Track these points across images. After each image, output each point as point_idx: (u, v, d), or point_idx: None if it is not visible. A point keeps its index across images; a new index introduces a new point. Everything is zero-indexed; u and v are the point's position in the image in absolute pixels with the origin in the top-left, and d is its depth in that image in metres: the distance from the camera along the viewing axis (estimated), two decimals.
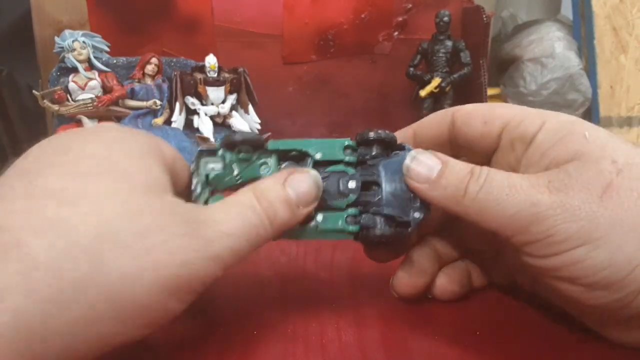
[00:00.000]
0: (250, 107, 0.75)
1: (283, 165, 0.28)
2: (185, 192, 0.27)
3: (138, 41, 0.78)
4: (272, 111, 0.81)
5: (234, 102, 0.73)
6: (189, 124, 0.72)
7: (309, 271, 0.36)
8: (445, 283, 0.30)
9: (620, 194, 0.22)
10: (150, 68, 0.71)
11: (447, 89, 0.79)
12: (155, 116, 0.70)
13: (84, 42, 0.67)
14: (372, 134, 0.27)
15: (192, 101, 0.71)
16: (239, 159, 0.27)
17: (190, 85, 0.70)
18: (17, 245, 0.18)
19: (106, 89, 0.69)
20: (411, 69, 0.81)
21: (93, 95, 0.67)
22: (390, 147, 0.28)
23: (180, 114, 0.70)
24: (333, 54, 0.84)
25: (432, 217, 0.28)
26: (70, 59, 0.67)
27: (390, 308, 0.30)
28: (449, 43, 0.79)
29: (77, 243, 0.19)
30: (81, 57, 0.67)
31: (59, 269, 0.18)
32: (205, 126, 0.70)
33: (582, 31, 0.96)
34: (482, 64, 0.79)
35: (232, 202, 0.25)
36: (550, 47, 0.93)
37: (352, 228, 0.27)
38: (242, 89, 0.73)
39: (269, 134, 0.67)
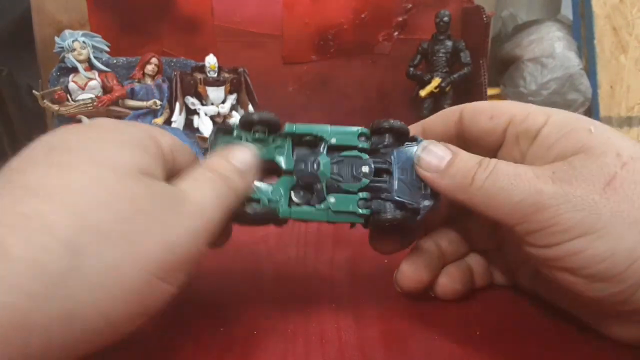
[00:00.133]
0: (250, 107, 0.75)
1: (296, 150, 0.29)
2: None
3: (138, 41, 0.78)
4: (272, 111, 0.80)
5: (234, 102, 0.73)
6: (189, 124, 0.72)
7: (309, 271, 0.36)
8: (448, 281, 0.30)
9: (623, 186, 0.23)
10: (150, 68, 0.71)
11: (447, 89, 0.79)
12: (155, 116, 0.70)
13: (84, 42, 0.67)
14: (385, 123, 0.28)
15: (192, 101, 0.71)
16: (254, 139, 0.28)
17: (190, 85, 0.70)
18: None
19: (106, 89, 0.69)
20: (411, 69, 0.81)
21: (93, 95, 0.67)
22: (403, 138, 0.29)
23: (180, 114, 0.70)
24: (333, 54, 0.84)
25: (438, 212, 0.28)
26: (70, 59, 0.67)
27: (390, 308, 0.30)
28: (449, 43, 0.79)
29: (55, 237, 0.19)
30: (81, 57, 0.67)
31: (39, 263, 0.18)
32: (205, 126, 0.70)
33: (582, 31, 0.96)
34: (482, 64, 0.79)
35: (197, 178, 0.25)
36: (550, 47, 0.93)
37: (364, 211, 0.27)
38: (242, 89, 0.73)
39: None
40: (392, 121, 0.28)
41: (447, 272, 0.30)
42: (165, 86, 0.71)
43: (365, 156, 0.28)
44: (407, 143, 0.28)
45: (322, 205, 0.28)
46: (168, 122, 0.71)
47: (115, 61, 0.71)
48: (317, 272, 0.35)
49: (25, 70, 0.81)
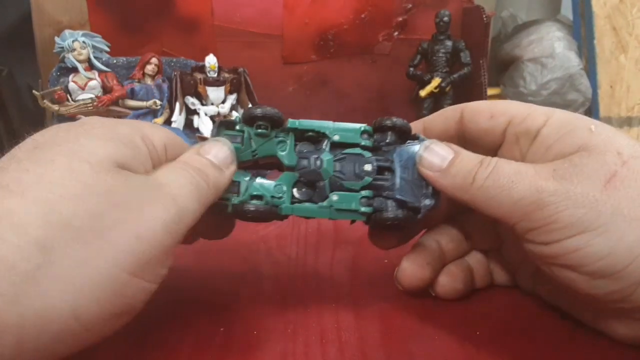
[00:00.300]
0: None
1: (299, 145, 0.29)
2: None
3: (138, 41, 0.78)
4: None
5: (234, 102, 0.73)
6: (189, 124, 0.72)
7: (309, 270, 0.36)
8: (448, 281, 0.30)
9: (624, 184, 0.23)
10: (150, 68, 0.71)
11: (447, 89, 0.79)
12: (155, 116, 0.70)
13: (84, 42, 0.67)
14: (388, 121, 0.28)
15: (192, 101, 0.71)
16: (257, 134, 0.28)
17: (190, 85, 0.70)
18: None
19: (106, 89, 0.69)
20: (411, 69, 0.81)
21: (93, 95, 0.67)
22: (405, 136, 0.29)
23: (180, 114, 0.70)
24: (333, 54, 0.84)
25: (438, 210, 0.29)
26: (70, 59, 0.67)
27: (390, 308, 0.30)
28: (449, 43, 0.79)
29: (25, 235, 0.19)
30: (81, 57, 0.67)
31: (9, 262, 0.18)
32: (205, 126, 0.70)
33: (582, 31, 0.96)
34: (482, 64, 0.79)
35: (172, 170, 0.25)
36: (550, 47, 0.93)
37: (365, 209, 0.28)
38: (242, 89, 0.73)
39: None
40: (394, 119, 0.28)
41: (447, 271, 0.30)
42: (165, 86, 0.71)
43: (368, 154, 0.28)
44: (409, 141, 0.29)
45: (325, 203, 0.28)
46: (168, 122, 0.70)
47: (115, 61, 0.71)
48: (317, 272, 0.35)
49: (25, 70, 0.81)
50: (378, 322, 0.29)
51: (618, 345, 0.26)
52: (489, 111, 0.28)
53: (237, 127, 0.28)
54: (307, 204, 0.28)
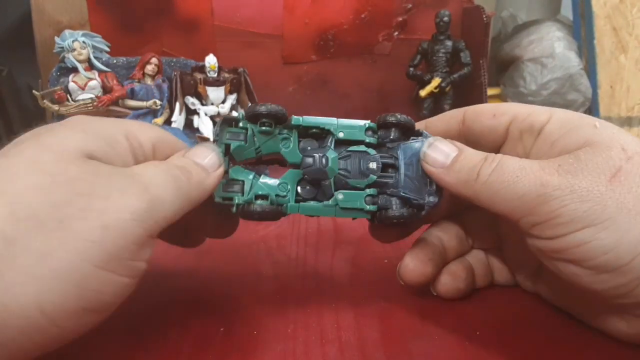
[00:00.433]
0: None
1: (302, 142, 0.28)
2: None
3: (138, 41, 0.78)
4: None
5: (234, 102, 0.73)
6: (189, 124, 0.72)
7: (309, 270, 0.36)
8: (450, 280, 0.30)
9: (629, 179, 0.23)
10: (150, 68, 0.71)
11: (447, 89, 0.79)
12: (155, 116, 0.70)
13: (84, 42, 0.67)
14: (392, 118, 0.28)
15: (192, 101, 0.71)
16: (260, 131, 0.28)
17: (190, 85, 0.70)
18: None
19: (106, 89, 0.69)
20: (411, 69, 0.81)
21: (93, 95, 0.67)
22: (409, 132, 0.29)
23: (180, 114, 0.70)
24: (333, 54, 0.84)
25: (439, 208, 0.29)
26: (70, 59, 0.67)
27: (390, 308, 0.30)
28: (449, 43, 0.79)
29: None
30: (81, 57, 0.67)
31: None
32: (205, 126, 0.70)
33: (582, 31, 0.96)
34: (482, 64, 0.79)
35: (150, 164, 0.24)
36: (550, 47, 0.93)
37: (370, 207, 0.28)
38: (242, 89, 0.73)
39: None
40: (398, 115, 0.28)
41: (449, 270, 0.30)
42: (165, 86, 0.71)
43: (373, 151, 0.28)
44: (412, 137, 0.29)
45: (330, 202, 0.28)
46: (168, 122, 0.70)
47: (115, 61, 0.71)
48: (317, 272, 0.35)
49: (25, 70, 0.81)
50: (378, 322, 0.29)
51: (618, 344, 0.26)
52: (491, 111, 0.29)
53: (240, 125, 0.28)
54: (312, 203, 0.28)
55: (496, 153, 0.28)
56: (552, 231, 0.23)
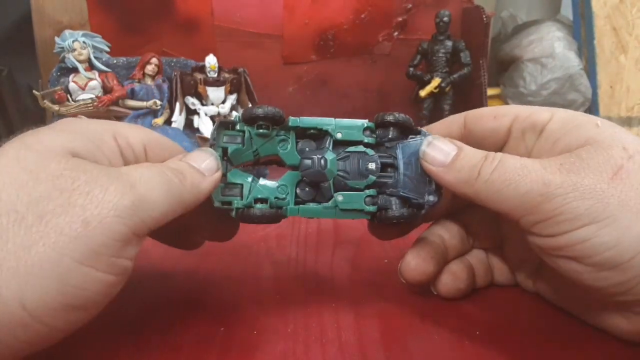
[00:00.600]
0: None
1: (300, 143, 0.28)
2: None
3: (138, 41, 0.78)
4: None
5: (234, 102, 0.73)
6: (189, 124, 0.72)
7: (309, 271, 0.36)
8: (450, 280, 0.30)
9: (630, 177, 0.23)
10: (150, 68, 0.71)
11: (447, 89, 0.79)
12: (156, 116, 0.70)
13: (84, 42, 0.67)
14: (390, 117, 0.28)
15: (192, 101, 0.71)
16: (257, 134, 0.28)
17: (191, 85, 0.70)
18: None
19: (106, 89, 0.69)
20: (411, 69, 0.81)
21: (93, 96, 0.67)
22: (407, 131, 0.29)
23: (180, 114, 0.70)
24: (333, 54, 0.84)
25: (439, 207, 0.29)
26: (71, 59, 0.67)
27: (390, 307, 0.30)
28: (449, 43, 0.79)
29: None
30: (81, 57, 0.67)
31: None
32: (205, 126, 0.70)
33: (582, 31, 0.96)
34: (482, 64, 0.79)
35: (141, 165, 0.24)
36: (550, 47, 0.93)
37: (370, 208, 0.27)
38: (242, 89, 0.73)
39: None
40: (396, 114, 0.28)
41: (449, 270, 0.30)
42: (165, 86, 0.71)
43: (371, 152, 0.28)
44: (411, 136, 0.29)
45: (330, 203, 0.28)
46: (168, 122, 0.70)
47: (115, 61, 0.71)
48: (317, 272, 0.36)
49: (26, 70, 0.81)
50: (378, 321, 0.29)
51: (619, 342, 0.26)
52: (492, 113, 0.29)
53: (237, 127, 0.28)
54: (312, 205, 0.28)
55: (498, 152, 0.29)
56: (553, 229, 0.23)
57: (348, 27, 0.83)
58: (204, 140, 0.69)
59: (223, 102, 0.71)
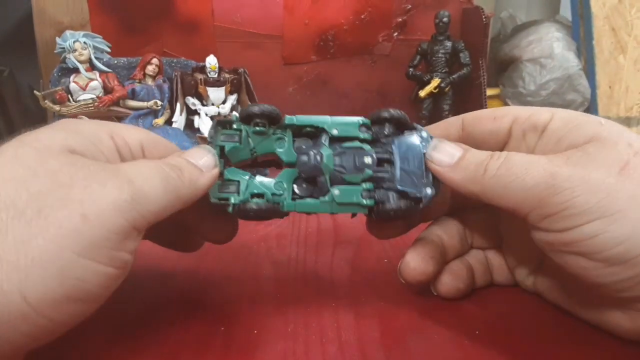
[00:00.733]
0: None
1: (297, 141, 0.29)
2: None
3: (139, 42, 0.78)
4: None
5: (235, 103, 0.73)
6: (189, 124, 0.72)
7: (309, 270, 0.36)
8: (450, 280, 0.30)
9: (637, 172, 0.23)
10: (151, 68, 0.71)
11: (447, 89, 0.79)
12: (156, 116, 0.70)
13: (85, 42, 0.68)
14: (385, 113, 0.28)
15: (192, 101, 0.71)
16: (254, 132, 0.28)
17: (191, 85, 0.70)
18: None
19: (107, 90, 0.69)
20: (411, 69, 0.81)
21: (94, 96, 0.68)
22: (403, 126, 0.29)
23: (180, 114, 0.71)
24: (333, 55, 0.85)
25: (440, 206, 0.29)
26: (72, 59, 0.67)
27: (390, 308, 0.30)
28: (449, 43, 0.79)
29: None
30: (82, 58, 0.68)
31: None
32: (205, 126, 0.70)
33: (581, 32, 0.96)
34: (482, 64, 0.79)
35: (139, 161, 0.24)
36: (549, 47, 0.93)
37: (367, 202, 0.28)
38: (242, 90, 0.73)
39: None
40: (392, 110, 0.28)
41: (449, 270, 0.31)
42: (166, 86, 0.71)
43: (367, 147, 0.28)
44: (407, 132, 0.29)
45: (327, 198, 0.28)
46: (169, 122, 0.71)
47: (116, 62, 0.72)
48: (317, 272, 0.36)
49: (27, 70, 0.82)
50: (378, 321, 0.29)
51: (619, 341, 0.26)
52: (491, 115, 0.29)
53: (235, 126, 0.28)
54: (308, 200, 0.28)
55: None
56: (562, 223, 0.23)
57: (348, 28, 0.83)
58: (205, 140, 0.69)
59: (223, 103, 0.71)
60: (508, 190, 0.24)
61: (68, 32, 0.68)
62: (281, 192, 0.28)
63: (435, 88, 0.79)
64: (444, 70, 0.79)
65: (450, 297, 0.30)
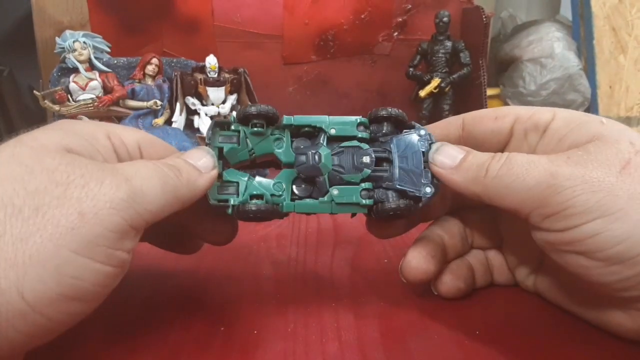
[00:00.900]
0: None
1: (295, 141, 0.29)
2: None
3: (139, 41, 0.78)
4: None
5: (234, 103, 0.73)
6: (189, 124, 0.72)
7: (309, 270, 0.36)
8: (451, 279, 0.30)
9: (638, 171, 0.23)
10: (150, 68, 0.71)
11: (447, 89, 0.79)
12: (156, 116, 0.70)
13: (84, 42, 0.68)
14: (384, 111, 0.28)
15: (192, 101, 0.71)
16: (252, 132, 0.28)
17: (191, 85, 0.70)
18: None
19: (107, 89, 0.69)
20: (411, 69, 0.81)
21: (94, 96, 0.68)
22: (401, 125, 0.29)
23: (180, 114, 0.70)
24: (333, 54, 0.85)
25: (440, 206, 0.29)
26: (71, 59, 0.67)
27: (390, 307, 0.30)
28: (449, 43, 0.79)
29: None
30: (82, 58, 0.68)
31: None
32: (205, 126, 0.70)
33: (581, 31, 0.96)
34: (482, 64, 0.79)
35: (137, 161, 0.24)
36: (549, 47, 0.93)
37: (366, 202, 0.28)
38: (242, 89, 0.73)
39: None
40: (390, 109, 0.28)
41: (450, 269, 0.31)
42: (165, 86, 0.71)
43: (366, 146, 0.28)
44: (405, 130, 0.29)
45: (325, 198, 0.28)
46: (169, 122, 0.71)
47: (115, 61, 0.72)
48: (317, 271, 0.36)
49: (26, 70, 0.82)
50: (378, 321, 0.29)
51: (619, 341, 0.26)
52: (492, 115, 0.29)
53: (233, 127, 0.28)
54: (308, 200, 0.28)
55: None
56: (563, 223, 0.23)
57: (348, 28, 0.83)
58: (204, 140, 0.69)
59: (223, 102, 0.71)
60: (509, 190, 0.24)
61: (68, 32, 0.68)
62: (280, 192, 0.28)
63: (435, 88, 0.79)
64: (444, 70, 0.79)
65: (451, 297, 0.30)
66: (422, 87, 0.80)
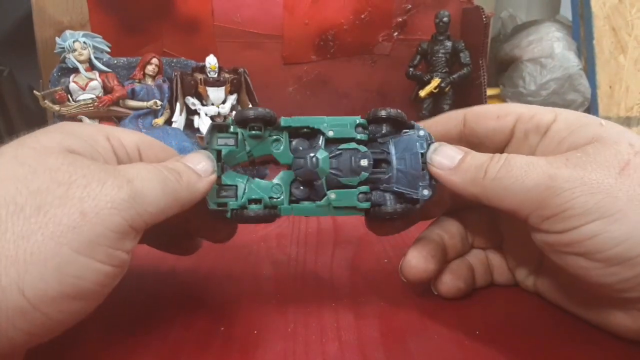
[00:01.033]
0: None
1: (294, 142, 0.29)
2: None
3: (139, 41, 0.78)
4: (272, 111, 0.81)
5: (234, 103, 0.73)
6: (189, 124, 0.72)
7: (309, 270, 0.36)
8: (451, 279, 0.30)
9: (637, 172, 0.23)
10: (150, 68, 0.71)
11: (447, 89, 0.79)
12: (156, 116, 0.70)
13: (84, 42, 0.68)
14: (383, 112, 0.28)
15: (192, 101, 0.71)
16: (250, 135, 0.28)
17: (191, 85, 0.70)
18: None
19: (107, 89, 0.69)
20: (411, 69, 0.81)
21: (94, 96, 0.67)
22: (400, 125, 0.29)
23: (180, 114, 0.70)
24: (333, 54, 0.85)
25: (441, 205, 0.28)
26: (71, 59, 0.67)
27: (390, 307, 0.30)
28: (449, 43, 0.79)
29: None
30: (82, 58, 0.68)
31: None
32: (205, 126, 0.70)
33: (581, 31, 0.96)
34: (482, 64, 0.79)
35: (137, 164, 0.25)
36: (549, 47, 0.93)
37: (364, 205, 0.28)
38: (242, 89, 0.73)
39: None
40: (389, 109, 0.28)
41: (450, 269, 0.31)
42: (165, 86, 0.71)
43: (364, 148, 0.28)
44: (404, 131, 0.29)
45: (323, 201, 0.28)
46: (169, 122, 0.71)
47: (115, 61, 0.72)
48: (317, 272, 0.36)
49: (26, 70, 0.82)
50: (378, 321, 0.29)
51: (619, 341, 0.26)
52: (495, 112, 0.29)
53: (231, 130, 0.28)
54: (305, 204, 0.28)
55: (501, 153, 0.29)
56: (562, 224, 0.23)
57: (348, 28, 0.83)
58: (204, 140, 0.69)
59: (223, 103, 0.71)
60: (508, 192, 0.24)
61: (68, 32, 0.68)
62: (278, 195, 0.28)
63: (435, 88, 0.79)
64: (444, 70, 0.79)
65: (451, 297, 0.30)
66: (422, 87, 0.80)
